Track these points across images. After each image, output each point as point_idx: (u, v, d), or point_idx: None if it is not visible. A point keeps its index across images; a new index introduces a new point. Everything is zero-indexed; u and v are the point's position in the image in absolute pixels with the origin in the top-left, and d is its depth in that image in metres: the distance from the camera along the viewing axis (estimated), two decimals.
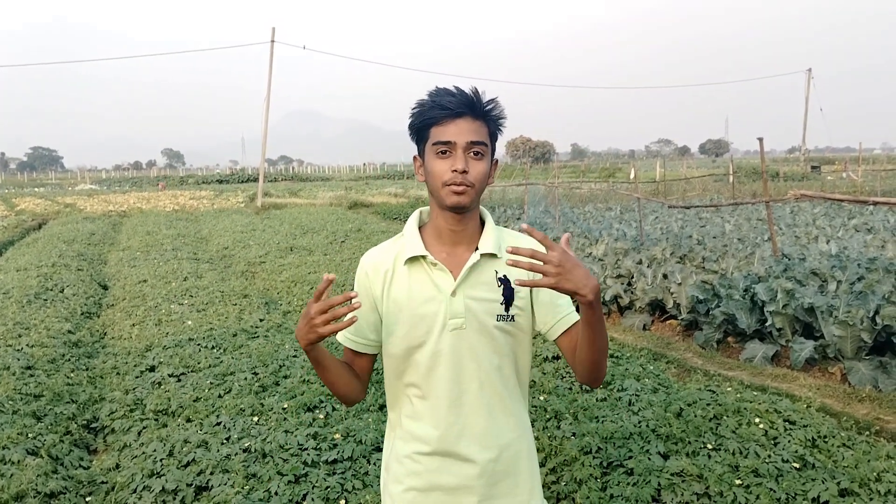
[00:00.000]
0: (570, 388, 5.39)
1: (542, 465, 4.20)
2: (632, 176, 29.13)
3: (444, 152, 1.67)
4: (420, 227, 1.81)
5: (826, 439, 4.36)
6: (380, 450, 4.34)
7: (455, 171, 1.65)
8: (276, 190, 39.50)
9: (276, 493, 3.69)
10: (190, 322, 7.81)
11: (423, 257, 1.72)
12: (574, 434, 4.46)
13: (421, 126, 1.71)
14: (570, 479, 3.98)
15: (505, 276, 1.74)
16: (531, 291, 1.77)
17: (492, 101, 1.71)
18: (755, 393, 5.22)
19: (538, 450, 4.34)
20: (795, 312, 6.65)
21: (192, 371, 6.04)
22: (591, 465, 4.05)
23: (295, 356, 6.47)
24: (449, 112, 1.66)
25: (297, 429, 4.55)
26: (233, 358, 6.31)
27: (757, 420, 4.51)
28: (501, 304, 1.73)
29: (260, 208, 27.28)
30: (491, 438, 1.75)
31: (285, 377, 5.79)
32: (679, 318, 7.80)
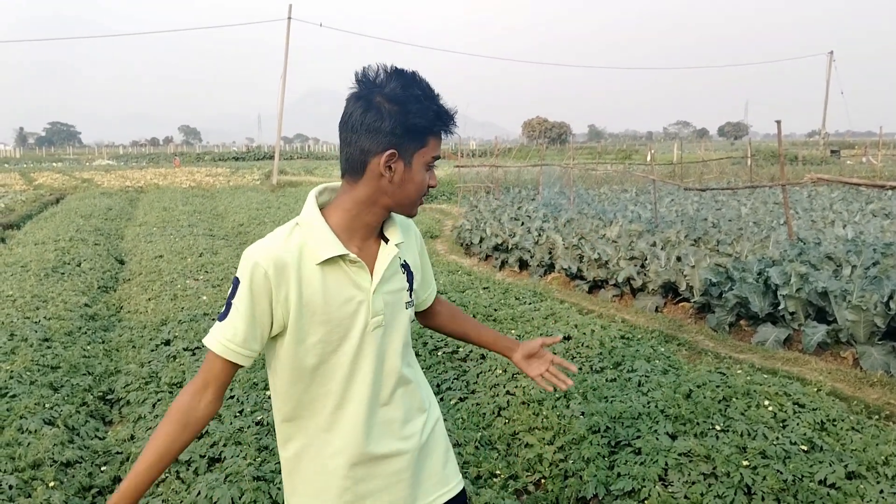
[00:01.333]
0: (581, 369, 5.42)
1: (550, 443, 4.25)
2: (648, 158, 28.91)
3: (430, 166, 1.64)
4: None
5: (835, 423, 4.36)
6: None
7: (431, 186, 1.66)
8: (292, 168, 39.61)
9: None
10: (205, 297, 7.89)
11: (343, 257, 1.59)
12: (583, 413, 4.49)
13: (426, 130, 1.59)
14: (577, 458, 4.01)
15: (405, 260, 1.74)
16: (421, 273, 1.83)
17: None
18: (765, 376, 5.22)
19: (547, 428, 4.39)
20: (809, 296, 6.63)
21: None
22: (599, 444, 4.08)
23: None
24: (451, 126, 1.65)
25: None
26: None
27: (766, 403, 4.52)
28: (407, 290, 1.73)
29: (275, 186, 27.38)
30: (410, 426, 1.74)
31: None
32: (692, 300, 7.78)
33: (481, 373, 5.52)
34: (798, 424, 4.25)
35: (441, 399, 5.30)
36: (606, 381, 5.13)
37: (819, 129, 52.72)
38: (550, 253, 10.64)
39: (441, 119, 1.60)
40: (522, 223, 13.12)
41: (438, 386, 5.57)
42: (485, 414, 4.83)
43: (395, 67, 1.58)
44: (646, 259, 8.89)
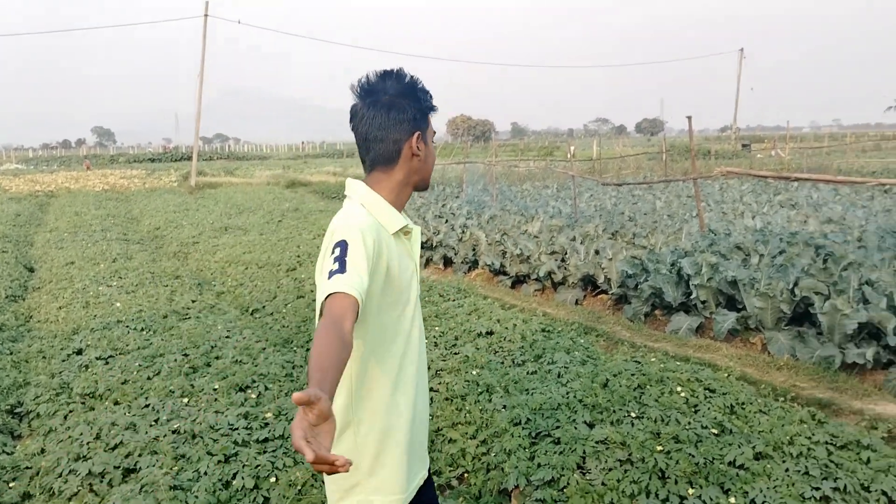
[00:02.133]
0: (502, 363, 5.49)
1: (473, 437, 4.29)
2: (569, 154, 29.48)
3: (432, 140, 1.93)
4: None
5: (744, 406, 4.55)
6: None
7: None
8: (211, 169, 38.70)
9: (205, 473, 3.67)
10: (119, 304, 7.63)
11: (404, 229, 1.85)
12: (505, 406, 4.55)
13: (427, 112, 1.88)
14: (499, 450, 4.07)
15: None
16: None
17: None
18: (678, 363, 5.40)
19: (470, 423, 4.44)
20: (719, 285, 6.89)
21: (120, 353, 5.92)
22: (520, 436, 4.15)
23: (227, 337, 6.40)
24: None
25: (228, 409, 4.52)
26: (163, 340, 6.21)
27: (679, 389, 4.68)
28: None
29: (194, 188, 26.69)
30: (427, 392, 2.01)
31: (217, 358, 5.73)
32: (609, 292, 7.99)
33: None
34: (709, 409, 4.42)
35: None
36: (527, 373, 5.22)
37: (731, 125, 54.81)
38: (474, 249, 10.74)
39: (431, 98, 1.88)
40: (447, 221, 13.19)
41: None
42: None
43: (382, 70, 1.85)
44: (566, 253, 9.07)
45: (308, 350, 6.52)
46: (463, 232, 11.73)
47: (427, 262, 11.65)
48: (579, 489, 3.54)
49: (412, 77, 1.86)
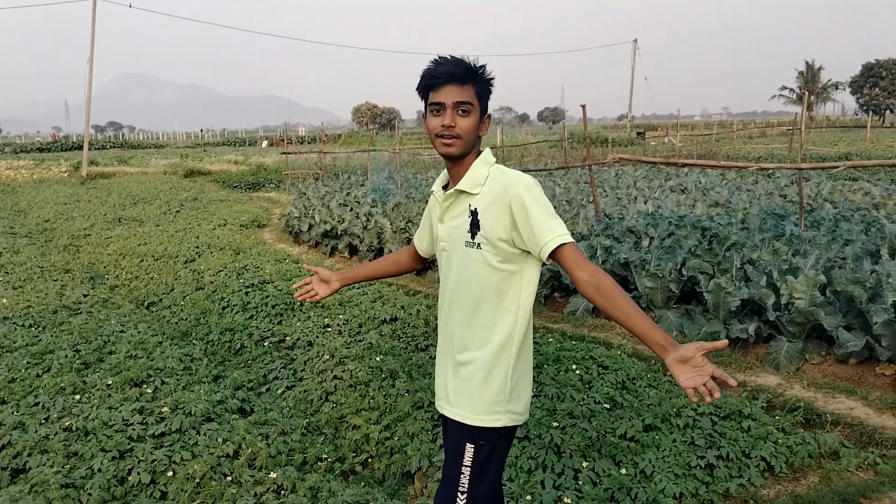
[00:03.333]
0: (406, 349, 5.55)
1: (377, 423, 4.33)
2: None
3: (436, 111, 2.07)
4: None
5: (635, 381, 4.78)
6: (210, 419, 4.29)
7: (444, 125, 2.04)
8: (104, 158, 36.93)
9: (98, 470, 3.56)
10: (4, 300, 7.24)
11: (433, 192, 2.30)
12: (408, 391, 4.61)
13: (422, 90, 2.10)
14: (403, 434, 4.13)
15: (475, 208, 2.09)
16: (503, 225, 2.05)
17: (480, 67, 2.07)
18: (574, 342, 5.60)
19: (374, 409, 4.47)
20: (613, 267, 7.17)
21: (6, 351, 5.63)
22: (423, 419, 4.22)
23: (122, 331, 6.19)
24: (439, 80, 2.04)
25: (123, 405, 4.38)
26: (52, 336, 5.95)
27: (574, 367, 4.87)
28: (468, 231, 2.10)
29: (85, 178, 25.45)
30: (464, 353, 2.20)
31: (110, 353, 5.54)
32: None
33: (309, 360, 5.50)
34: (602, 385, 4.62)
35: (268, 389, 5.24)
36: (430, 358, 5.29)
37: (627, 113, 56.64)
38: (379, 237, 10.74)
39: (425, 78, 2.08)
40: (351, 209, 13.12)
41: (265, 377, 5.49)
42: (312, 400, 4.83)
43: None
44: None
45: (207, 344, 6.39)
46: (368, 220, 11.71)
47: (332, 251, 11.58)
48: None
49: (431, 62, 2.10)
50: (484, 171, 2.11)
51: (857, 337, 5.36)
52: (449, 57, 2.06)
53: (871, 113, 69.43)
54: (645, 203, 11.74)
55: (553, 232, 1.99)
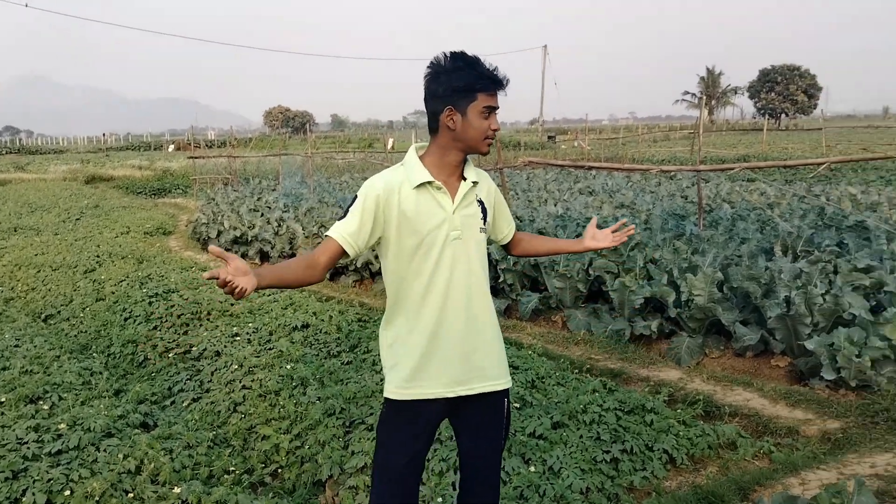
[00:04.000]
0: (317, 355, 5.48)
1: (287, 432, 4.26)
2: (388, 146, 29.73)
3: (487, 115, 2.20)
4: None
5: (544, 380, 4.87)
6: (110, 435, 4.12)
7: (494, 129, 2.23)
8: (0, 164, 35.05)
9: None
10: None
11: (430, 183, 2.21)
12: (319, 398, 4.55)
13: (470, 88, 2.16)
14: (314, 442, 4.07)
15: (480, 198, 2.33)
16: (493, 214, 2.42)
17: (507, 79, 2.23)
18: None
19: (284, 418, 4.39)
20: (524, 269, 7.29)
21: None
22: (334, 426, 4.17)
23: (16, 346, 5.88)
24: (500, 86, 2.20)
25: (17, 422, 4.16)
26: None
27: None
28: (481, 218, 2.32)
29: None
30: (475, 319, 2.32)
31: (4, 369, 5.26)
32: None
33: (216, 370, 5.36)
34: (513, 385, 4.68)
35: (173, 402, 5.08)
36: (342, 364, 5.25)
37: (538, 118, 57.77)
38: (291, 243, 10.58)
39: (481, 79, 2.16)
40: (262, 214, 12.87)
41: (170, 389, 5.32)
42: (220, 412, 4.71)
43: (452, 51, 2.20)
44: None
45: (108, 357, 6.15)
46: (279, 225, 11.51)
47: (243, 258, 11.27)
48: None
49: (464, 57, 2.18)
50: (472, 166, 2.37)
51: (753, 331, 5.62)
52: (489, 64, 2.20)
53: (767, 116, 73.08)
54: (555, 205, 11.99)
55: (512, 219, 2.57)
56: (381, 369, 2.39)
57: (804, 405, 4.60)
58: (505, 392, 2.41)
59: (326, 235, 2.21)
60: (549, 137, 47.96)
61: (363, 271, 8.96)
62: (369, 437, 3.99)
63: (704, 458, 3.97)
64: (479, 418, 2.37)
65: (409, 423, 2.30)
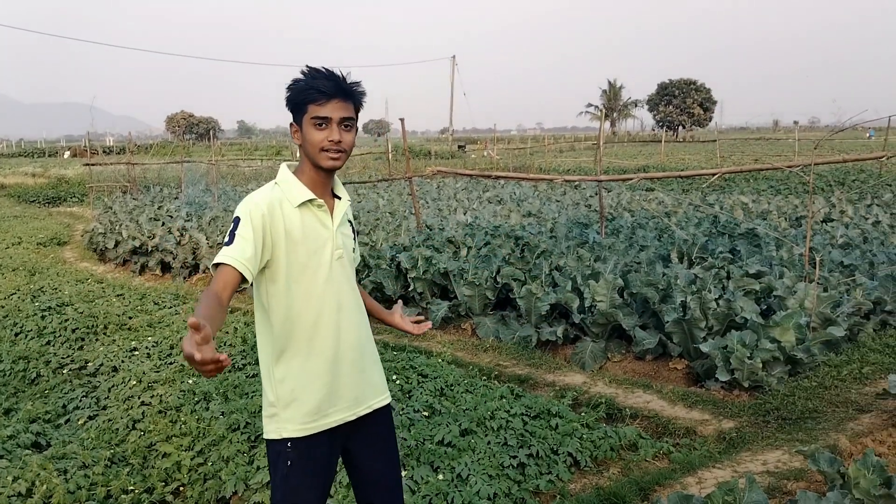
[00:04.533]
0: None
1: (189, 448, 4.13)
2: (297, 154, 29.31)
3: (320, 125, 2.09)
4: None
5: (452, 387, 4.90)
6: (38, 445, 3.89)
7: (331, 140, 2.09)
8: None
9: None
10: None
11: (311, 201, 2.13)
12: (223, 413, 4.44)
13: (299, 102, 2.09)
14: (217, 458, 3.97)
15: (350, 219, 2.32)
16: (355, 237, 2.35)
17: (357, 83, 2.14)
18: (395, 353, 5.66)
19: (185, 434, 4.26)
20: (433, 277, 7.33)
21: None
22: (238, 441, 4.08)
23: None
24: (325, 94, 2.07)
25: None
26: None
27: (394, 377, 4.91)
28: (353, 238, 2.31)
29: None
30: (362, 333, 2.28)
31: None
32: None
33: (113, 386, 5.15)
34: (422, 393, 4.69)
35: (67, 421, 4.84)
36: (247, 377, 5.13)
37: (448, 127, 58.28)
38: (194, 253, 10.27)
39: (308, 90, 2.07)
40: (163, 223, 12.44)
41: (64, 407, 5.07)
42: (118, 429, 4.52)
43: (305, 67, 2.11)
44: None
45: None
46: (182, 235, 11.16)
47: (142, 269, 10.91)
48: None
49: (304, 71, 2.10)
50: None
51: (652, 335, 5.83)
52: (325, 70, 2.09)
53: (665, 128, 76.17)
54: (464, 214, 12.11)
55: None
56: (266, 410, 2.17)
57: (701, 406, 4.80)
58: (390, 403, 2.41)
59: (219, 264, 1.96)
60: (460, 147, 48.47)
61: None
62: None
63: (607, 459, 4.08)
64: (377, 435, 2.33)
65: (316, 459, 2.17)
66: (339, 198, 2.24)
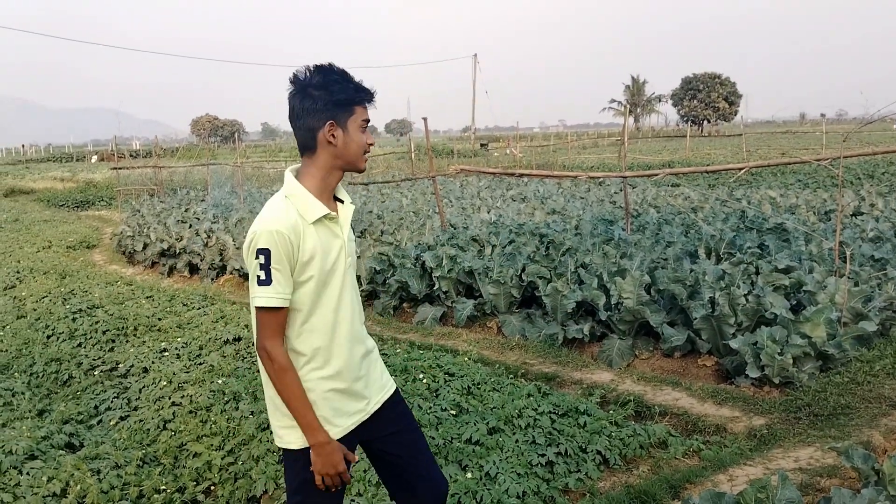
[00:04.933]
0: (250, 369, 5.38)
1: (219, 448, 4.17)
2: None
3: (364, 128, 2.15)
4: None
5: (479, 386, 4.90)
6: (34, 457, 3.95)
7: (370, 144, 2.17)
8: None
9: None
10: None
11: (326, 216, 2.10)
12: (252, 413, 4.48)
13: (350, 101, 2.09)
14: (247, 458, 4.00)
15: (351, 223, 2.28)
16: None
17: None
18: (422, 352, 5.67)
19: (216, 434, 4.30)
20: (458, 276, 7.33)
21: None
22: (268, 440, 4.10)
23: None
24: (373, 98, 2.16)
25: None
26: None
27: (421, 376, 4.92)
28: (355, 240, 2.31)
29: None
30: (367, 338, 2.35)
31: None
32: (360, 288, 8.14)
33: (144, 387, 5.21)
34: (449, 392, 4.70)
35: (100, 421, 4.91)
36: None
37: (470, 126, 58.24)
38: (221, 255, 10.37)
39: (359, 92, 2.11)
40: (191, 226, 12.58)
41: (96, 408, 5.15)
42: (149, 430, 4.58)
43: (316, 65, 2.10)
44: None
45: (31, 376, 5.89)
46: (209, 237, 11.28)
47: (170, 271, 11.04)
48: None
49: (334, 70, 2.10)
50: None
51: (680, 332, 5.78)
52: (348, 73, 2.14)
53: (690, 123, 75.44)
54: (488, 212, 12.10)
55: None
56: (279, 421, 2.16)
57: (731, 403, 4.75)
58: (397, 389, 2.46)
59: (268, 308, 2.00)
60: (482, 145, 48.41)
61: None
62: None
63: (636, 457, 4.06)
64: (393, 420, 2.36)
65: None
66: (342, 201, 2.23)
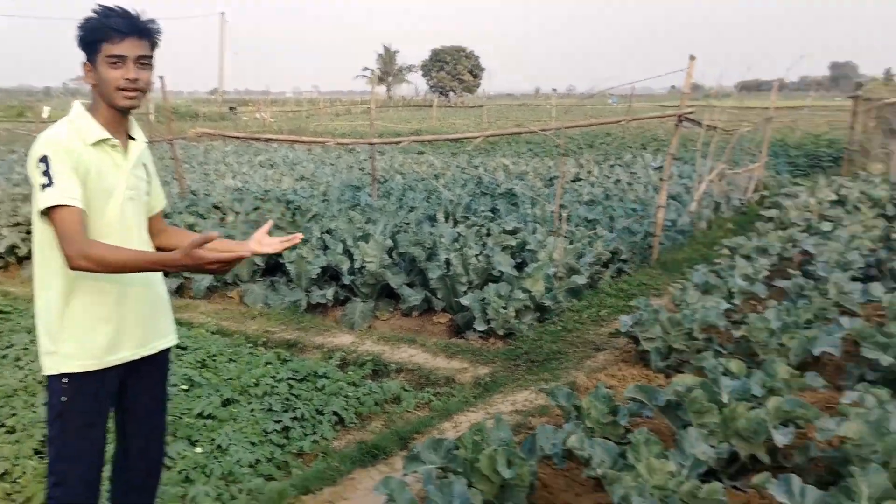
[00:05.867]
0: None
1: None
2: (44, 115, 26.51)
3: (115, 64, 2.06)
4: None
5: (215, 358, 4.74)
6: None
7: (127, 79, 2.07)
8: None
9: None
10: None
11: (106, 140, 2.11)
12: None
13: (93, 41, 2.05)
14: None
15: (145, 162, 2.28)
16: (152, 181, 2.33)
17: (152, 20, 2.12)
18: None
19: None
20: None
21: None
22: None
23: None
24: (120, 32, 2.04)
25: None
26: None
27: None
28: (146, 181, 2.28)
29: None
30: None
31: None
32: None
33: None
34: (181, 366, 4.48)
35: None
36: None
37: (218, 88, 55.51)
38: None
39: (100, 28, 2.04)
40: None
41: None
42: None
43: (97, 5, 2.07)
44: (31, 224, 8.14)
45: None
46: None
47: None
48: (35, 476, 3.27)
49: (96, 12, 2.05)
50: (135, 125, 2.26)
51: (418, 292, 6.04)
52: (118, 8, 2.06)
53: (438, 94, 78.31)
54: (233, 178, 11.67)
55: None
56: (43, 346, 2.12)
57: (461, 356, 5.06)
58: (169, 348, 2.44)
59: (58, 206, 1.94)
60: (231, 108, 46.38)
61: (7, 256, 7.89)
62: (10, 440, 3.56)
63: (371, 414, 4.18)
64: (152, 376, 2.37)
65: (96, 398, 2.17)
66: (135, 139, 2.23)
